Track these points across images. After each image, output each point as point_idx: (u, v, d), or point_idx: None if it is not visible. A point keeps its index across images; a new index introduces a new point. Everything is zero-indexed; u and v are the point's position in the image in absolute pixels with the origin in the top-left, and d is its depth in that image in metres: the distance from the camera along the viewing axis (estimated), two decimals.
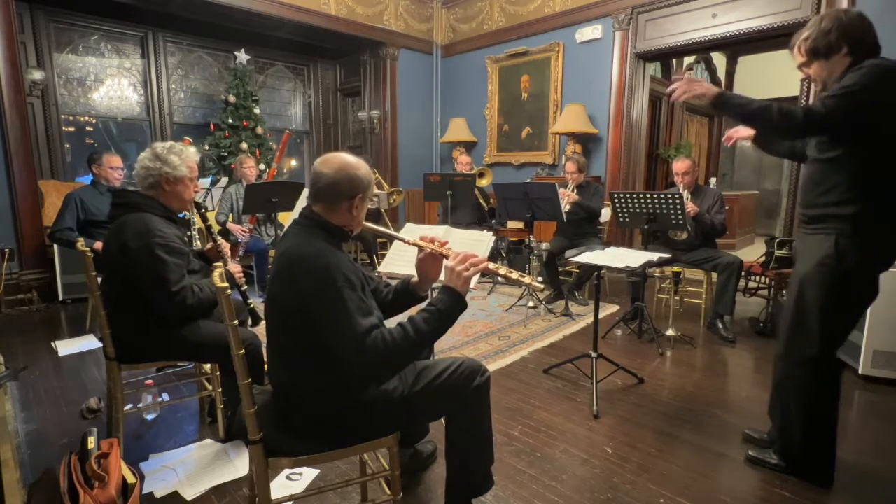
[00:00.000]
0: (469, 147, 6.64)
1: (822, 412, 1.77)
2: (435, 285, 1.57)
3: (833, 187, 1.66)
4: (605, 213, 4.32)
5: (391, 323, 1.34)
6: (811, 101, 4.17)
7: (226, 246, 2.14)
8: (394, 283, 1.61)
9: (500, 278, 4.86)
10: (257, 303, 2.19)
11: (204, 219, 2.17)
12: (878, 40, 1.64)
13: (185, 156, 1.93)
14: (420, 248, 1.50)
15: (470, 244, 2.03)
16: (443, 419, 1.51)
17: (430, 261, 1.51)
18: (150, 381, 2.30)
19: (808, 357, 1.74)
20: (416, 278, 1.57)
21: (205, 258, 2.15)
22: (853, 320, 1.75)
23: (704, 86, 1.73)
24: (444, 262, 1.42)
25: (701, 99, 1.73)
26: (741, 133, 2.04)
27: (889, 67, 1.54)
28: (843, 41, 1.61)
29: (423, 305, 1.38)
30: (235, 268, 2.14)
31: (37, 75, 4.70)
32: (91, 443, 1.67)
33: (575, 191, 4.12)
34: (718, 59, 8.82)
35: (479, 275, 1.42)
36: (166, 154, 1.89)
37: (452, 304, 1.32)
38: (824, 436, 1.78)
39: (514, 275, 1.46)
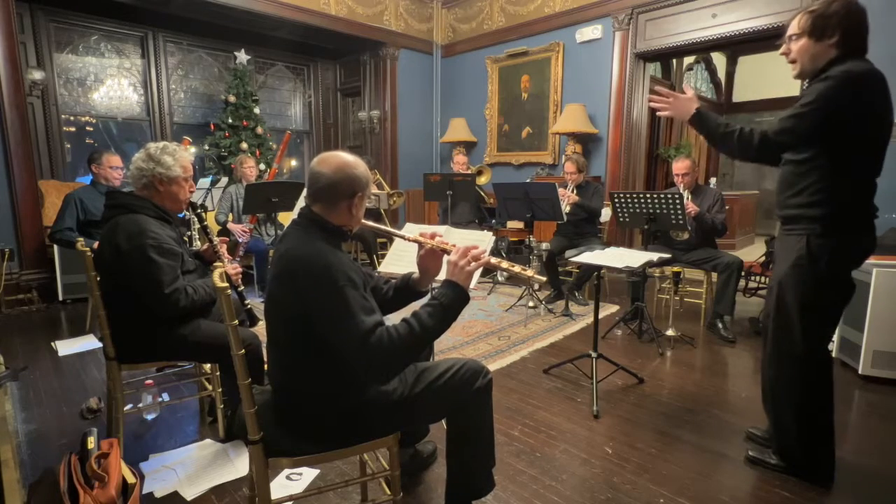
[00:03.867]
0: (469, 147, 6.64)
1: (814, 410, 1.77)
2: (435, 283, 1.57)
3: (804, 189, 1.68)
4: (606, 213, 4.32)
5: (392, 319, 1.33)
6: None
7: (222, 246, 2.13)
8: (393, 280, 1.61)
9: (500, 276, 4.89)
10: (256, 303, 2.19)
11: (200, 219, 2.17)
12: (867, 41, 1.65)
13: (179, 156, 1.92)
14: (420, 245, 1.51)
15: (470, 244, 2.03)
16: (443, 420, 1.52)
17: (430, 257, 1.51)
18: (150, 381, 2.30)
19: (794, 356, 1.76)
20: (416, 274, 1.57)
21: (201, 258, 2.15)
22: (833, 318, 1.78)
23: (685, 105, 1.80)
24: (446, 256, 1.41)
25: (682, 117, 1.82)
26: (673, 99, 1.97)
27: (859, 74, 1.56)
28: (839, 29, 1.61)
29: (425, 300, 1.38)
30: (232, 268, 2.14)
31: (37, 75, 4.70)
32: (91, 443, 1.68)
33: (575, 191, 4.12)
34: (718, 59, 8.82)
35: (480, 271, 1.42)
36: (160, 154, 1.88)
37: (455, 298, 1.31)
38: (820, 434, 1.78)
39: (516, 268, 1.46)
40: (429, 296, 1.38)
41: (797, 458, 1.82)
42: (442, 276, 1.42)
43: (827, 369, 1.78)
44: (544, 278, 1.62)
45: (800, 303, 1.72)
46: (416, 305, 1.39)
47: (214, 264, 1.70)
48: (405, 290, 1.57)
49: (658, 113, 1.89)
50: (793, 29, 1.74)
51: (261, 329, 1.62)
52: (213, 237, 2.11)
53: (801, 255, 1.69)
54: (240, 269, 2.25)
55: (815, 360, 1.75)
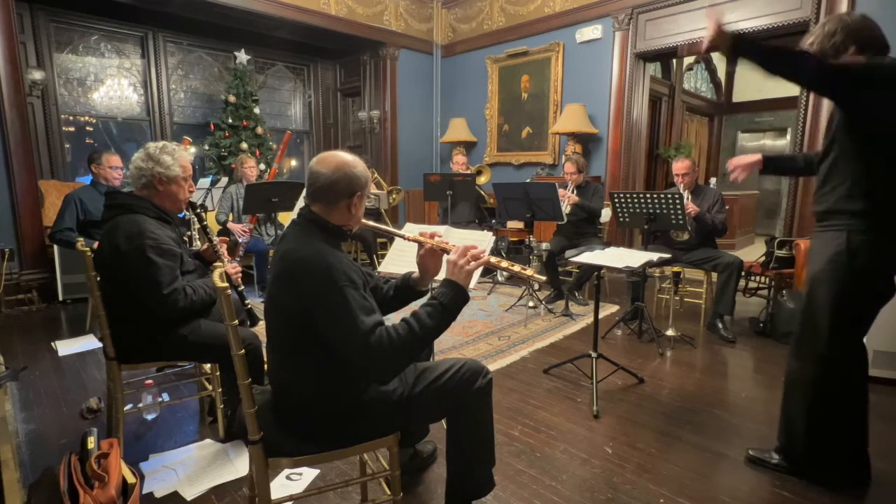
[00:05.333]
0: (469, 147, 6.64)
1: (827, 412, 1.75)
2: (435, 283, 1.57)
3: (842, 182, 1.64)
4: (606, 214, 4.32)
5: (392, 319, 1.33)
6: (811, 100, 4.17)
7: (222, 246, 2.13)
8: (393, 279, 1.61)
9: (500, 276, 4.89)
10: (256, 303, 2.18)
11: (200, 219, 2.17)
12: (885, 37, 1.63)
13: (178, 155, 1.92)
14: (420, 245, 1.51)
15: (470, 244, 2.03)
16: (443, 420, 1.51)
17: (430, 256, 1.52)
18: (150, 381, 2.30)
19: (818, 355, 1.73)
20: (416, 274, 1.57)
21: (201, 259, 2.15)
22: (867, 319, 1.73)
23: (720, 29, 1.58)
24: (445, 255, 1.41)
25: (721, 44, 1.59)
26: (743, 161, 2.01)
27: None
28: (850, 40, 1.60)
29: (425, 299, 1.37)
30: (232, 268, 2.14)
31: (37, 75, 4.70)
32: (91, 443, 1.67)
33: (575, 191, 4.12)
34: (718, 59, 8.81)
35: (480, 271, 1.41)
36: (159, 154, 1.88)
37: (455, 297, 1.31)
38: (829, 436, 1.77)
39: (516, 268, 1.45)
40: (429, 295, 1.38)
41: (801, 457, 1.81)
42: (442, 275, 1.42)
43: (849, 372, 1.74)
44: (544, 277, 1.61)
45: (831, 300, 1.67)
46: (416, 305, 1.39)
47: (214, 264, 1.70)
48: (405, 289, 1.57)
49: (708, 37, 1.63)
50: None
51: (261, 329, 1.62)
52: (212, 237, 2.11)
53: (840, 250, 1.63)
54: (239, 269, 2.25)
55: (837, 361, 1.71)
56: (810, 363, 1.76)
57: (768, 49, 1.55)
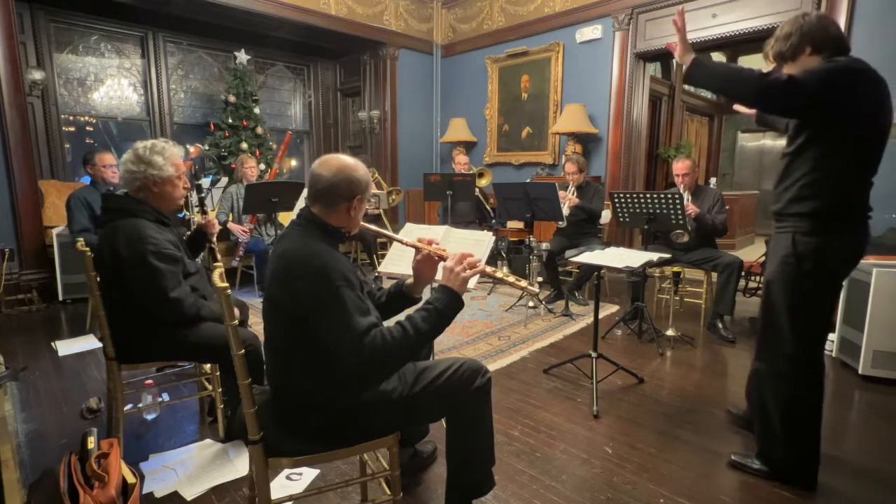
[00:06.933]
0: (469, 147, 6.64)
1: (802, 411, 1.75)
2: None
3: (793, 183, 1.68)
4: (606, 215, 4.31)
5: (386, 325, 1.34)
6: None
7: (212, 224, 2.26)
8: (386, 286, 1.62)
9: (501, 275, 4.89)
10: (256, 303, 2.19)
11: (199, 190, 2.24)
12: (842, 36, 1.66)
13: (169, 154, 1.87)
14: (418, 250, 1.51)
15: (470, 245, 2.03)
16: (443, 420, 1.52)
17: (426, 262, 1.52)
18: (150, 381, 2.30)
19: (784, 355, 1.74)
20: (411, 280, 1.57)
21: (201, 236, 2.21)
22: (822, 318, 1.76)
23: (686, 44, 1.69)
24: (442, 263, 1.43)
25: (679, 55, 1.69)
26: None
27: (853, 68, 1.56)
28: (805, 42, 1.65)
29: (419, 305, 1.38)
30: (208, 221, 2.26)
31: (37, 75, 4.70)
32: (91, 443, 1.67)
33: (575, 192, 4.11)
34: (718, 60, 8.82)
35: (478, 275, 1.43)
36: (149, 155, 1.83)
37: (450, 303, 1.33)
38: (806, 436, 1.76)
39: (511, 279, 1.48)
40: (423, 301, 1.39)
41: (780, 462, 1.80)
42: (437, 280, 1.43)
43: (818, 372, 1.75)
44: (537, 290, 1.67)
45: (788, 303, 1.71)
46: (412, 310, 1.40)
47: (214, 264, 1.71)
48: (398, 296, 1.58)
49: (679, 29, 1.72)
50: (769, 67, 1.77)
51: (261, 329, 1.62)
52: (206, 208, 2.19)
53: (788, 253, 1.68)
54: (215, 220, 2.34)
55: (805, 360, 1.72)
56: (777, 364, 1.76)
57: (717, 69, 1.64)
